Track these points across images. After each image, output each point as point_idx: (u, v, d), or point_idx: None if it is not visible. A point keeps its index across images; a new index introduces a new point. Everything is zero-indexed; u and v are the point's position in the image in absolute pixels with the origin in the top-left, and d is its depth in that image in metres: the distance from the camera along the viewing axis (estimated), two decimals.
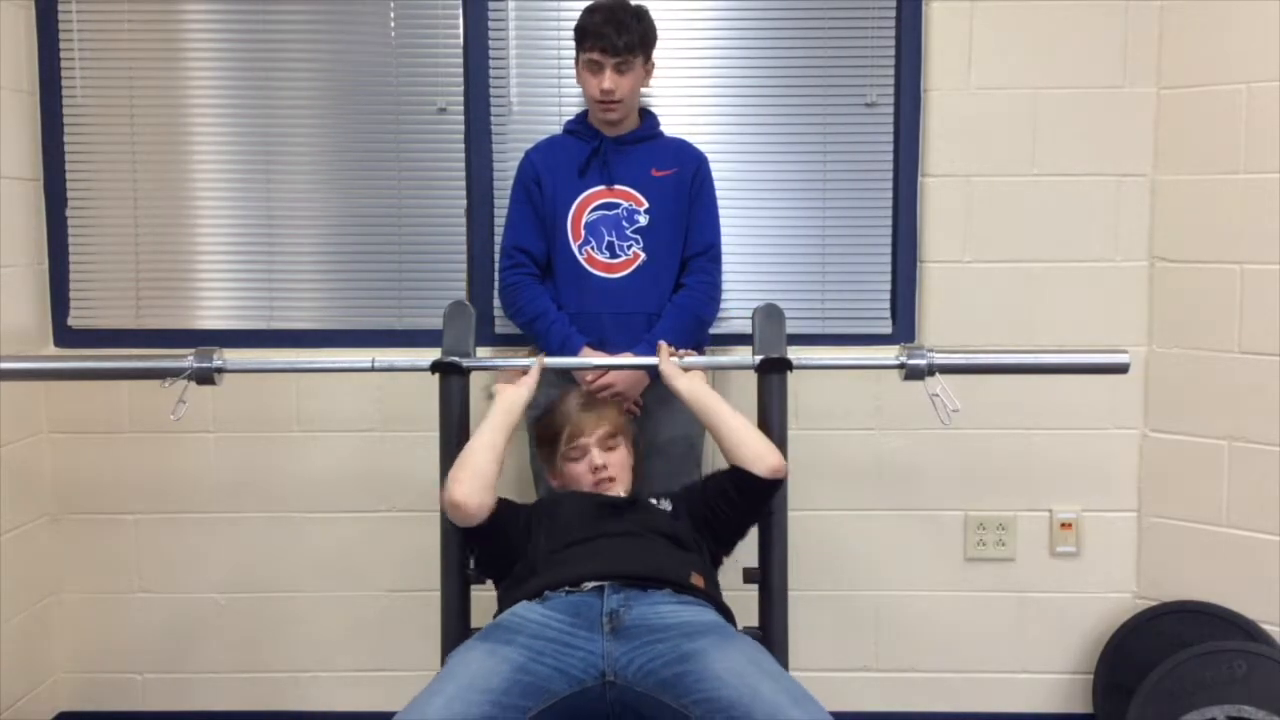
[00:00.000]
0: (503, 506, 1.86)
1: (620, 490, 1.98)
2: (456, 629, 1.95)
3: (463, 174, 2.67)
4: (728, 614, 1.80)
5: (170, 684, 2.75)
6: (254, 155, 2.67)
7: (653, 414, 2.32)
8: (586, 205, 2.37)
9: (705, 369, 2.10)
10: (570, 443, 1.99)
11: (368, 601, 2.72)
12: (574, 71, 2.39)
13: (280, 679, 2.74)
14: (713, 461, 1.94)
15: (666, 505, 1.97)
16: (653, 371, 2.08)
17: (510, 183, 2.45)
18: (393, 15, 2.65)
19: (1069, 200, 2.61)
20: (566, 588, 1.72)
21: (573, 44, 2.35)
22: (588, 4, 2.33)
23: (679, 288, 2.39)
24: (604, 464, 1.96)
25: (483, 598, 1.92)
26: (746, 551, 2.01)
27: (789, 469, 1.93)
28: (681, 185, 2.39)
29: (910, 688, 2.73)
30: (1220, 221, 2.51)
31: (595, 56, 2.27)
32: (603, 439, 1.99)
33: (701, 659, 1.56)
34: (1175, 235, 2.58)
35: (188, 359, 2.01)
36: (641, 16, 2.31)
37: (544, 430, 2.09)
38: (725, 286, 2.54)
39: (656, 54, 2.38)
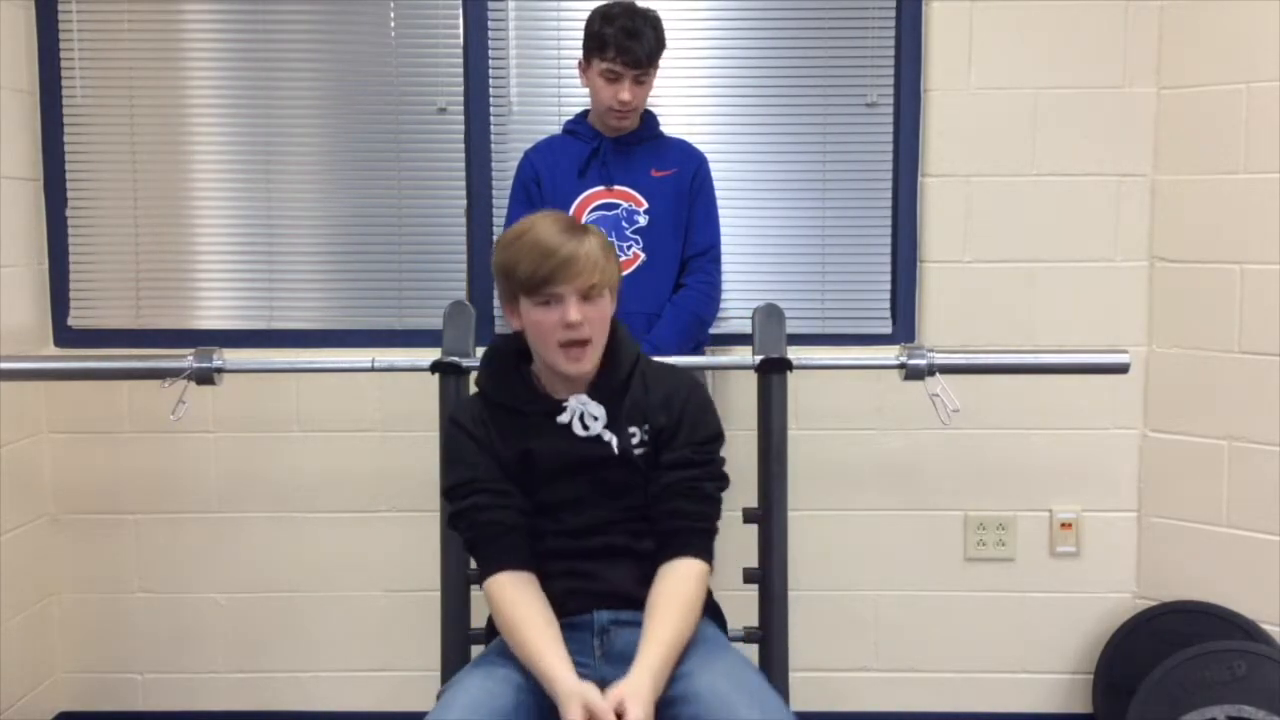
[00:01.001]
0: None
1: (593, 357, 1.63)
2: (456, 629, 1.94)
3: (463, 174, 2.67)
4: (716, 612, 1.75)
5: (170, 684, 2.75)
6: (254, 155, 2.68)
7: None
8: (586, 205, 2.37)
9: (705, 369, 2.09)
10: (545, 286, 1.57)
11: (368, 601, 2.72)
12: (574, 71, 2.39)
13: (280, 679, 2.74)
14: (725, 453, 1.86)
15: (647, 442, 1.68)
16: None
17: (510, 183, 2.45)
18: (393, 15, 2.65)
19: (1069, 200, 2.61)
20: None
21: (573, 44, 2.35)
22: (597, 7, 2.30)
23: (679, 288, 2.39)
24: (579, 321, 1.57)
25: (483, 598, 1.92)
26: (746, 551, 2.01)
27: (791, 471, 1.90)
28: (681, 186, 2.39)
29: (910, 688, 2.73)
30: (1220, 221, 2.51)
31: (616, 68, 2.25)
32: (584, 289, 1.58)
33: (687, 680, 1.53)
34: (1175, 235, 2.58)
35: (187, 359, 2.01)
36: (656, 24, 2.29)
37: (511, 258, 1.60)
38: (725, 286, 2.54)
39: None
